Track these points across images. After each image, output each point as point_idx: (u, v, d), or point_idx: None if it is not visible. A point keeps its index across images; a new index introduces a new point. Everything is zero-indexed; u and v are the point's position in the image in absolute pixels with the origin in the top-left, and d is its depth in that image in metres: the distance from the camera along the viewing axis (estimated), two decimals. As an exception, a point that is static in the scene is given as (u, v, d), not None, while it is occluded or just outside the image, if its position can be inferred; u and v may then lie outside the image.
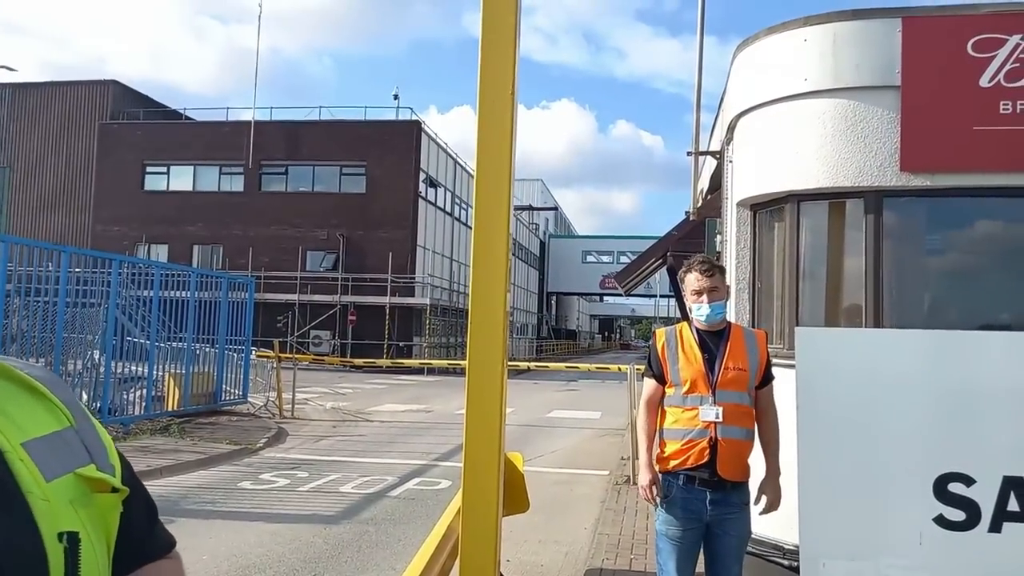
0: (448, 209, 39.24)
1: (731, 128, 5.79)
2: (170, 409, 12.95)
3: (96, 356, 11.77)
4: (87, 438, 0.86)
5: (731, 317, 4.23)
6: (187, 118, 39.04)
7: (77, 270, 12.12)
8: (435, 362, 26.54)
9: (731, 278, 5.28)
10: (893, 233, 4.84)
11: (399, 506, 7.70)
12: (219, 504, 7.61)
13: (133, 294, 13.53)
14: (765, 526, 3.83)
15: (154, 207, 35.00)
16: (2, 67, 33.50)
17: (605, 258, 60.26)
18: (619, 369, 14.44)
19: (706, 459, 3.17)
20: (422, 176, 34.67)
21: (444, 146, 38.57)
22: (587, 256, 62.35)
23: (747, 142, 5.51)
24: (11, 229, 33.86)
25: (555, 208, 70.78)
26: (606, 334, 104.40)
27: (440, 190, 37.78)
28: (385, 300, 32.61)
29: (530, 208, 57.56)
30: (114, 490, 0.84)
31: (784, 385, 3.41)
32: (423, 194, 34.98)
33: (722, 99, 6.59)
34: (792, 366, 2.64)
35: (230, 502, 7.75)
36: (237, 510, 7.41)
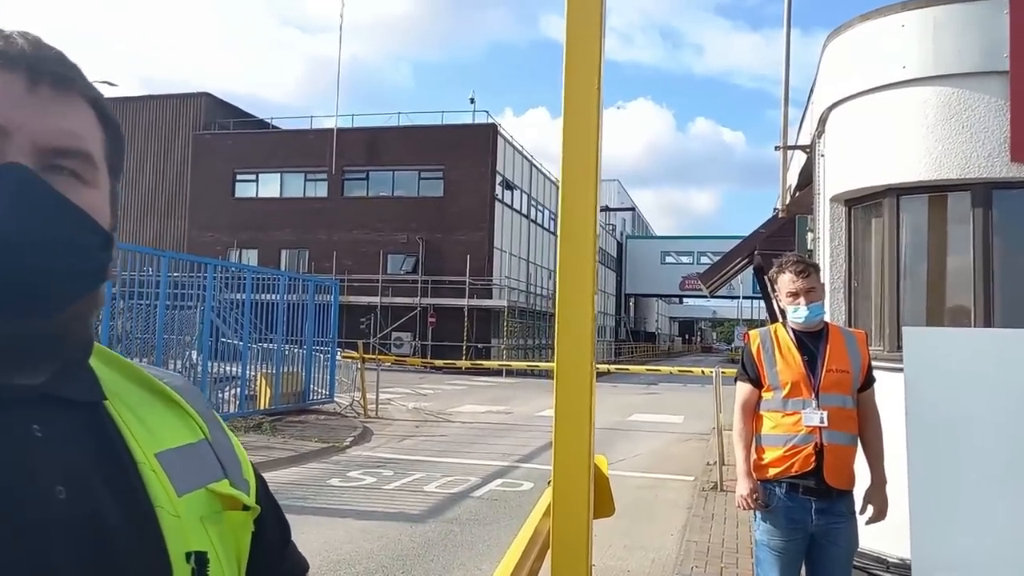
0: (524, 211, 39.35)
1: (822, 120, 5.58)
2: (262, 408, 13.42)
3: (193, 356, 12.33)
4: (221, 452, 0.81)
5: (825, 318, 4.07)
6: (274, 127, 40.52)
7: (175, 274, 12.72)
8: (514, 364, 26.63)
9: (825, 277, 5.08)
10: (1003, 227, 4.56)
11: (483, 507, 7.75)
12: (310, 500, 7.83)
13: (226, 297, 14.10)
14: (867, 538, 3.66)
15: (244, 213, 36.48)
16: (104, 83, 35.67)
17: (684, 259, 59.18)
18: (703, 372, 14.15)
19: (812, 466, 3.02)
20: (498, 179, 34.90)
21: (520, 148, 38.73)
22: (666, 257, 61.36)
23: (840, 135, 5.30)
24: (114, 237, 35.82)
25: (632, 208, 69.99)
26: (686, 336, 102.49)
27: (516, 192, 37.95)
28: (464, 302, 32.97)
29: (607, 209, 57.08)
30: (245, 508, 0.78)
31: (885, 389, 3.25)
32: (499, 197, 35.20)
33: (812, 91, 6.36)
34: (893, 369, 2.51)
35: (320, 498, 7.97)
36: (327, 506, 7.61)
